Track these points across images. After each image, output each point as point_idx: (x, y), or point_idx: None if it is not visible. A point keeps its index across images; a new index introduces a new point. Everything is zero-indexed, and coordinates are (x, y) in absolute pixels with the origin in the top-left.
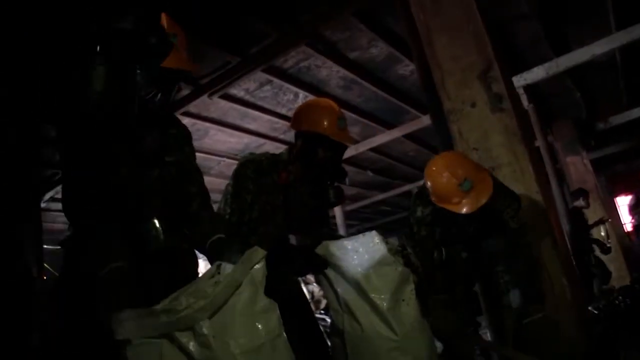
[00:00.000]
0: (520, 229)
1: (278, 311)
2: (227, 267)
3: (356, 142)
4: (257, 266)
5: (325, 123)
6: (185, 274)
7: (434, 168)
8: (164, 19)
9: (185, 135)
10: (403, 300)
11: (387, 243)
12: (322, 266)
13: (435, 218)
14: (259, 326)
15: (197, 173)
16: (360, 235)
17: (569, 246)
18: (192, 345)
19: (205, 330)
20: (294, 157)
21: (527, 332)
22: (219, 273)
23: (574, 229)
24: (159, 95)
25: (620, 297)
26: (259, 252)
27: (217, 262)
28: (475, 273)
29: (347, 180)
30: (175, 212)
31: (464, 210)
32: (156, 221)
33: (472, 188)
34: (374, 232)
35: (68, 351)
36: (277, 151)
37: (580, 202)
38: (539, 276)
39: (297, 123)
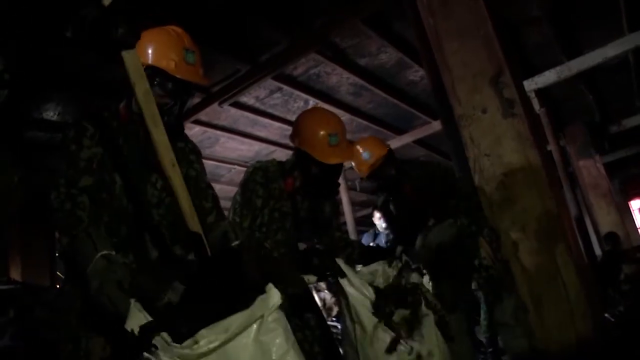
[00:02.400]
0: None
1: (285, 326)
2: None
3: (346, 159)
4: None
5: (315, 142)
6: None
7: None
8: (185, 37)
9: (195, 151)
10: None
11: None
12: (341, 273)
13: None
14: (266, 346)
15: (209, 189)
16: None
17: (583, 253)
18: None
19: None
20: (297, 164)
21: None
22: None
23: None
24: (176, 107)
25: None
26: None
27: None
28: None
29: (357, 186)
30: (178, 225)
31: (362, 175)
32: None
33: (370, 157)
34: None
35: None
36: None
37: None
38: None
39: (293, 136)
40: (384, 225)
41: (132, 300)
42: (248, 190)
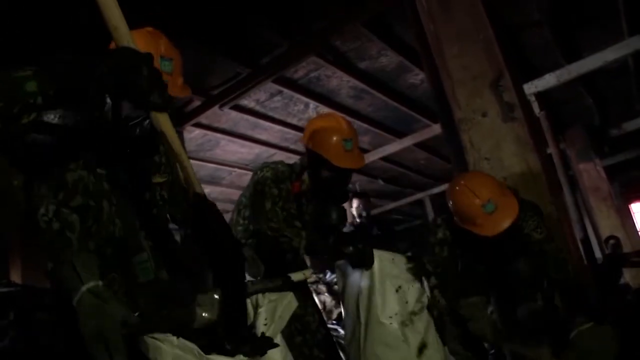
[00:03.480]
0: (546, 237)
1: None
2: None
3: (359, 165)
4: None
5: (329, 146)
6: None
7: (457, 188)
8: (162, 41)
9: None
10: (415, 314)
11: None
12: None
13: (457, 239)
14: None
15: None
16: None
17: (583, 255)
18: None
19: None
20: (305, 168)
21: (575, 346)
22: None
23: (611, 256)
24: (147, 121)
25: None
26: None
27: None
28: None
29: (357, 188)
30: (165, 241)
31: (486, 232)
32: (145, 253)
33: (495, 210)
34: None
35: None
36: (288, 161)
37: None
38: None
39: (305, 139)
40: (364, 213)
41: (148, 338)
42: (259, 184)
